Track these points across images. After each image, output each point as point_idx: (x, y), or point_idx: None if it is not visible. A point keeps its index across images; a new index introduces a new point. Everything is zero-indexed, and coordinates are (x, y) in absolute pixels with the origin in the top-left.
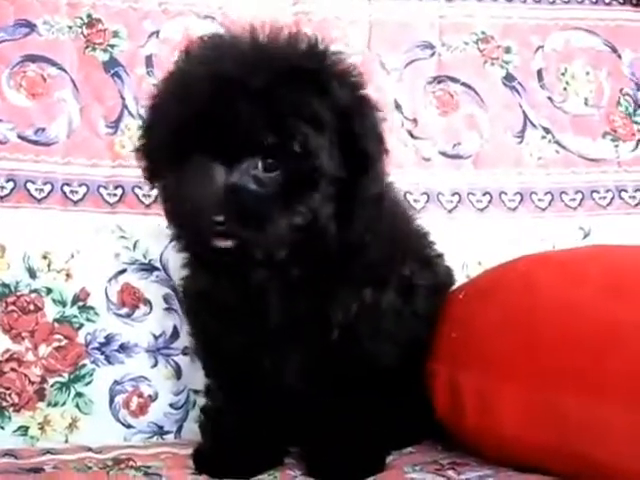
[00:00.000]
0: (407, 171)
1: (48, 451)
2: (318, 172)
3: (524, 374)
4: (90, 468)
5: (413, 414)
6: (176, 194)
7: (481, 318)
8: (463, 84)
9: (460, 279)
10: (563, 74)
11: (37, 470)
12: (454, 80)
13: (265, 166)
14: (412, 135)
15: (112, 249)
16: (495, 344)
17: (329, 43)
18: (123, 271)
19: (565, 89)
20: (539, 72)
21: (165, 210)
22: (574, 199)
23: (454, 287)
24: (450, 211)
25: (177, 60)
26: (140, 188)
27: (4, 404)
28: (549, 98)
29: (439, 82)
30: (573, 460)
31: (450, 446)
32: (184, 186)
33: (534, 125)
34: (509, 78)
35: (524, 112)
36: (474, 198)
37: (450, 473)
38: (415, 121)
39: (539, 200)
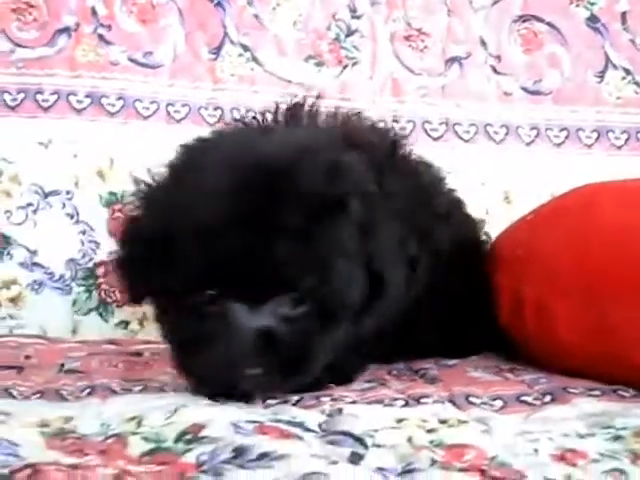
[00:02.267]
0: (489, 105)
1: (147, 341)
2: (346, 304)
3: (578, 289)
4: None
5: (478, 328)
6: (190, 336)
7: (544, 238)
8: (548, 23)
9: None
10: None
11: (137, 354)
12: (539, 19)
13: (293, 303)
14: (495, 71)
15: None
16: (554, 261)
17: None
18: None
19: None
20: (623, 15)
21: (171, 345)
22: None
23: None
24: (528, 144)
25: (185, 168)
26: (238, 110)
27: (108, 300)
28: (631, 40)
29: (524, 21)
30: (619, 368)
31: (512, 357)
32: (200, 329)
33: (615, 66)
34: (593, 19)
35: (606, 53)
36: (552, 133)
37: (508, 375)
38: (499, 57)
39: (615, 138)
